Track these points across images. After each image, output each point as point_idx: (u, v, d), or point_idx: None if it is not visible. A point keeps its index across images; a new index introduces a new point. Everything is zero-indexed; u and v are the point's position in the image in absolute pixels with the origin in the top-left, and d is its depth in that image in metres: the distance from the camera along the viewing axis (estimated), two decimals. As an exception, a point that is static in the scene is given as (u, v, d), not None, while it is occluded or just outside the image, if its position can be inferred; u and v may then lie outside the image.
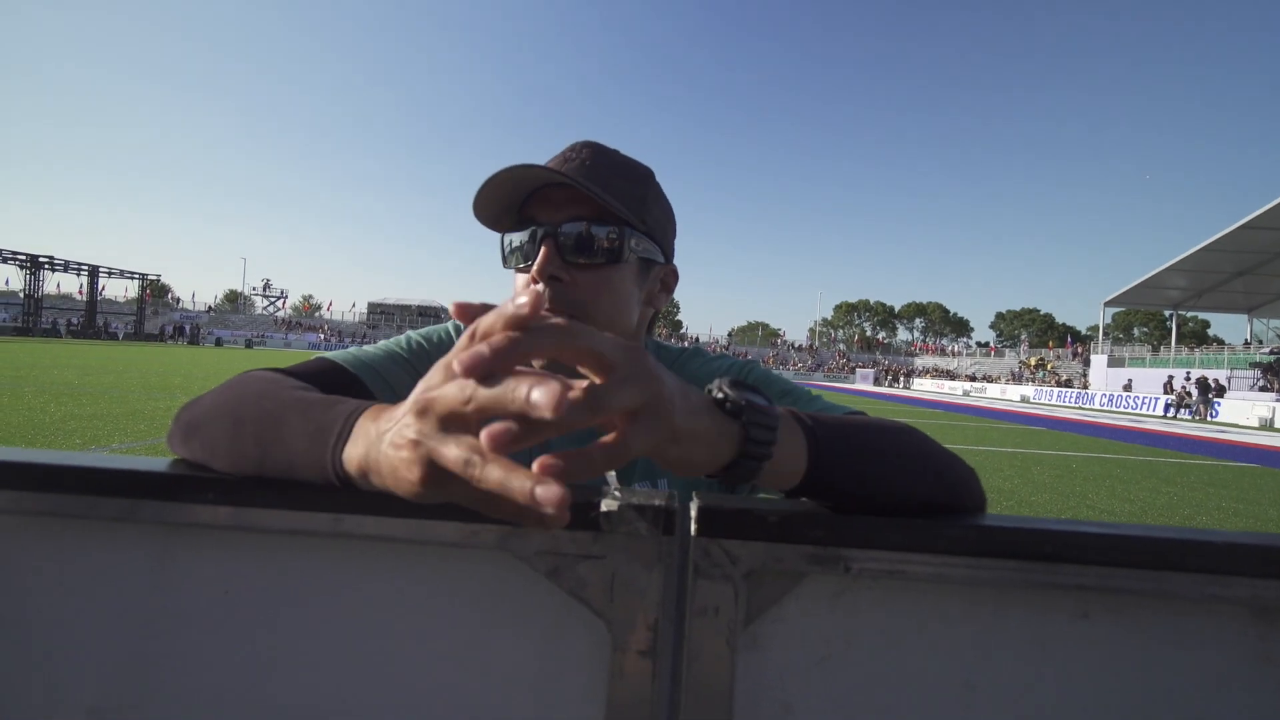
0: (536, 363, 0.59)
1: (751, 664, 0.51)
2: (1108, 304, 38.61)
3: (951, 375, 55.99)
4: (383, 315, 71.51)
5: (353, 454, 0.45)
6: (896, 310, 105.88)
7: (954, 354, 74.37)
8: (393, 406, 0.44)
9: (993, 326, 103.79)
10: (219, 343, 52.31)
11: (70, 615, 0.53)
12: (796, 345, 75.49)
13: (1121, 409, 29.11)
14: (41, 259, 44.66)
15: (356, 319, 71.38)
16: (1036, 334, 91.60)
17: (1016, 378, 49.54)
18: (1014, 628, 0.50)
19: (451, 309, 0.42)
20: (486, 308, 0.40)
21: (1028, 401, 34.92)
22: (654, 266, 0.82)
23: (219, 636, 0.52)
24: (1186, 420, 23.79)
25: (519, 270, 0.76)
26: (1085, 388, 37.58)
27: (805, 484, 0.51)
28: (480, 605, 0.52)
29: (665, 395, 0.40)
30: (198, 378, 15.53)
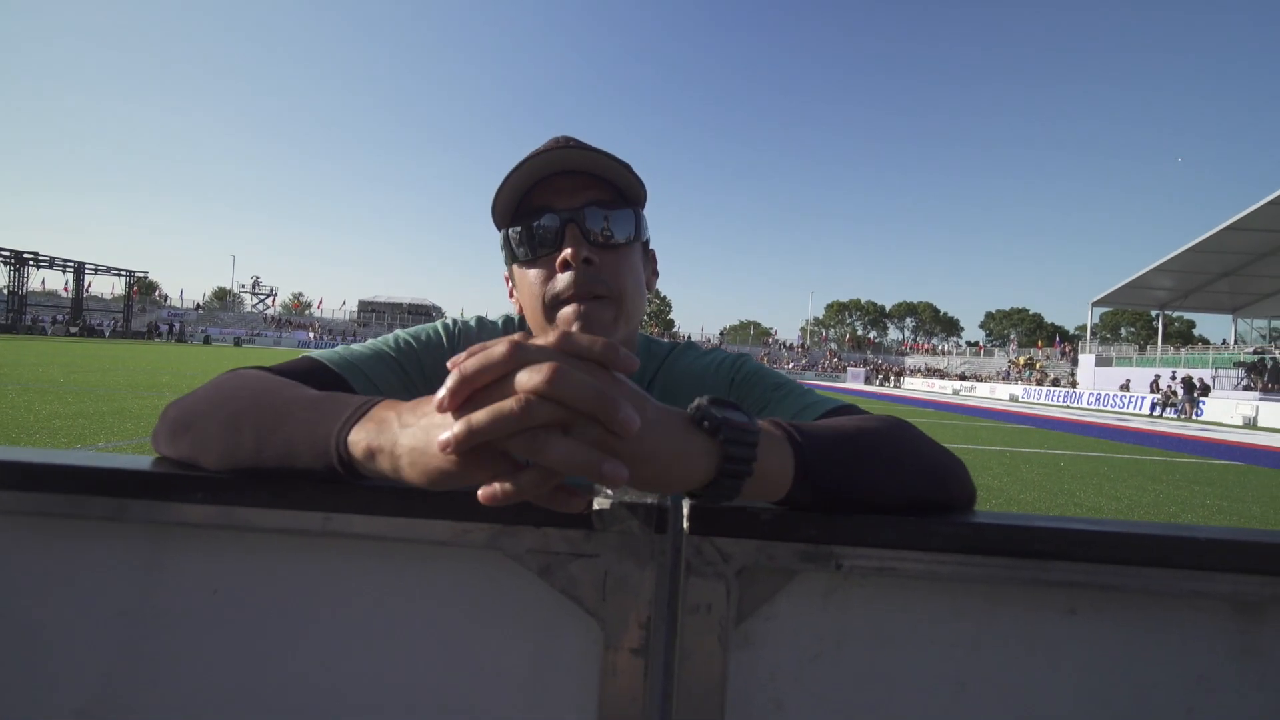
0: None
1: (743, 661, 0.51)
2: (1095, 304, 38.95)
3: (942, 374, 56.36)
4: (373, 313, 71.13)
5: (360, 436, 0.47)
6: (887, 310, 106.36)
7: (944, 353, 74.84)
8: (418, 400, 0.46)
9: (982, 326, 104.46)
10: (207, 340, 51.89)
11: (58, 616, 0.52)
12: (788, 344, 75.73)
13: (1109, 408, 29.40)
14: (26, 255, 44.16)
15: (347, 317, 70.97)
16: (1025, 333, 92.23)
17: (1006, 377, 49.93)
18: (1004, 624, 0.51)
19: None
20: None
21: (1017, 400, 35.18)
22: (647, 248, 0.86)
23: (208, 636, 0.52)
24: (1172, 419, 24.05)
25: (533, 262, 0.75)
26: (1074, 386, 37.93)
27: (793, 495, 0.51)
28: (471, 604, 0.52)
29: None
30: (186, 376, 15.40)
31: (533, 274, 0.75)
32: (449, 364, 0.41)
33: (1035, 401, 34.33)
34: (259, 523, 0.50)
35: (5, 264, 43.25)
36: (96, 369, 15.45)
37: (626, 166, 0.75)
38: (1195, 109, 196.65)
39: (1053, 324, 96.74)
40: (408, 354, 0.79)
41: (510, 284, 0.85)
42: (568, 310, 0.73)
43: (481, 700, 0.51)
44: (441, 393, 0.40)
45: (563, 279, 0.72)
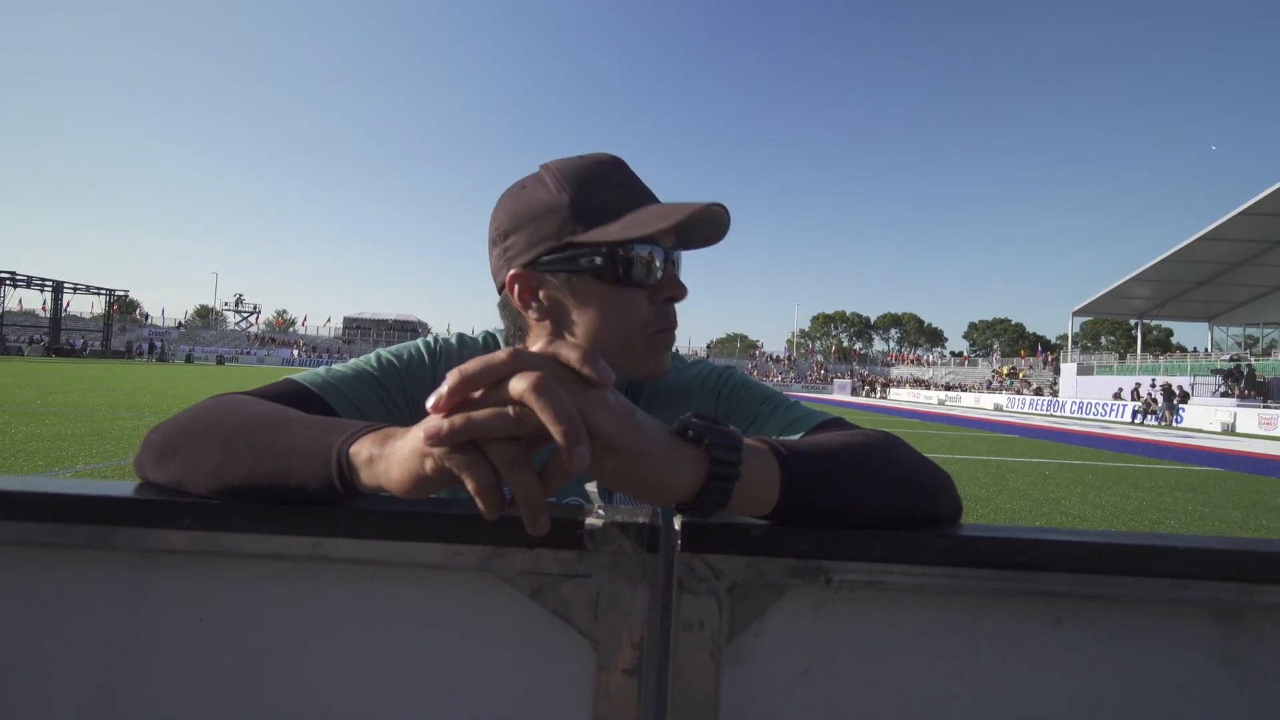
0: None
1: (736, 677, 0.51)
2: (1076, 313, 39.58)
3: (927, 385, 56.80)
4: (358, 330, 70.63)
5: (362, 447, 0.48)
6: (872, 321, 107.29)
7: (929, 364, 75.52)
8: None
9: (966, 336, 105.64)
10: (189, 359, 51.19)
11: (39, 647, 0.51)
12: (775, 356, 76.08)
13: (1091, 416, 29.78)
14: (2, 274, 43.44)
15: (332, 334, 70.40)
16: (1008, 343, 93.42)
17: (990, 387, 50.44)
18: (991, 635, 0.51)
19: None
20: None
21: (1001, 410, 35.54)
22: None
23: (195, 666, 0.51)
24: (1153, 426, 24.40)
25: (629, 285, 0.74)
26: (1054, 395, 38.38)
27: (780, 508, 0.51)
28: (463, 627, 0.51)
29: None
30: (167, 396, 15.17)
31: (631, 296, 0.75)
32: (446, 386, 0.42)
33: (1019, 411, 34.70)
34: (246, 548, 0.50)
35: (-19, 284, 42.55)
36: (75, 390, 15.18)
37: (720, 223, 0.78)
38: (1172, 120, 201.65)
39: (1035, 334, 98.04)
40: (390, 373, 0.79)
41: (534, 292, 0.77)
42: (663, 337, 0.77)
43: (473, 724, 0.51)
44: (441, 390, 0.41)
45: (670, 311, 0.77)
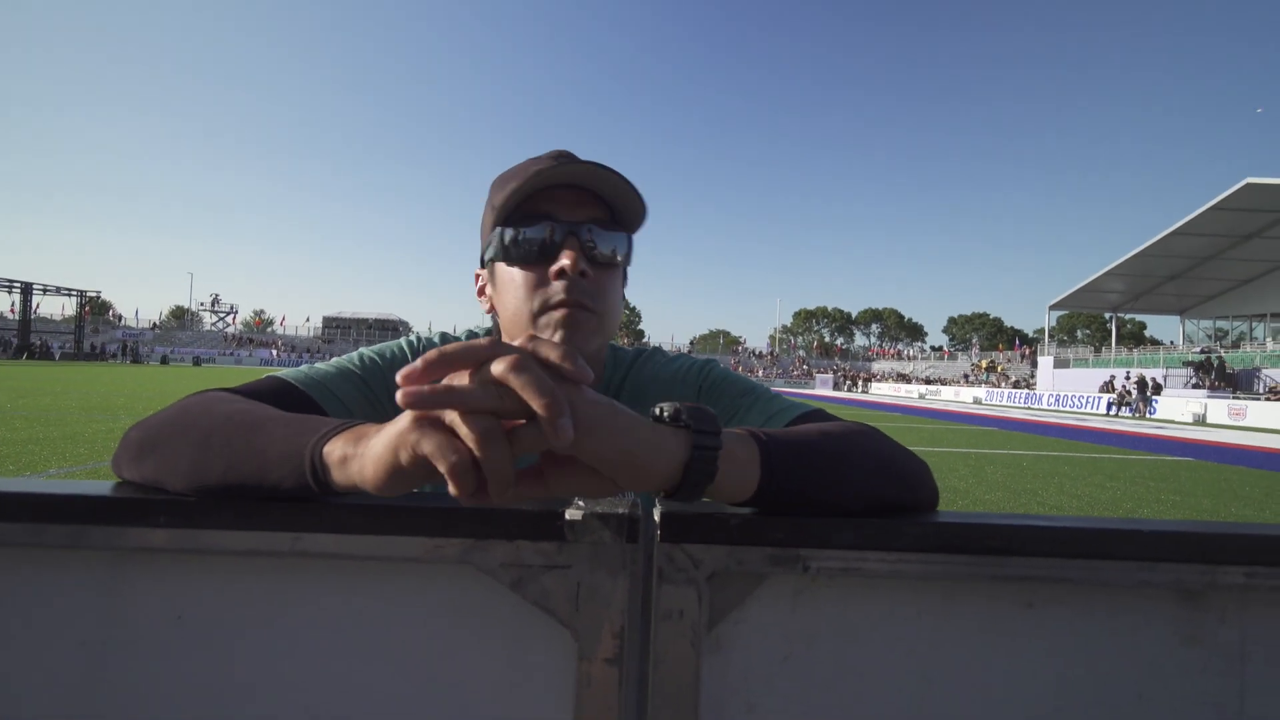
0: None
1: (715, 666, 0.52)
2: (1052, 307, 40.23)
3: (907, 379, 57.45)
4: (338, 329, 69.80)
5: (335, 447, 0.48)
6: (854, 316, 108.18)
7: (909, 358, 76.35)
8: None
9: (945, 331, 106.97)
10: (164, 360, 50.27)
11: (16, 648, 0.50)
12: (757, 352, 76.49)
13: (1068, 408, 30.33)
14: (-32, 276, 42.28)
15: (311, 333, 69.49)
16: (987, 337, 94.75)
17: (969, 380, 51.14)
18: (965, 619, 0.53)
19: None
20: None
21: (980, 403, 36.06)
22: (626, 272, 0.86)
23: (173, 664, 0.51)
24: (1128, 418, 24.92)
25: (526, 265, 0.76)
26: (1032, 388, 39.03)
27: (760, 494, 0.52)
28: (444, 620, 0.51)
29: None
30: (143, 398, 14.89)
31: (522, 276, 0.75)
32: (421, 359, 0.42)
33: (998, 404, 35.23)
34: (224, 545, 0.50)
35: (-54, 286, 41.43)
36: (47, 392, 14.85)
37: (634, 192, 0.76)
38: (1144, 119, 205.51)
39: (1012, 327, 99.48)
40: (373, 371, 0.78)
41: (482, 282, 0.85)
42: (556, 314, 0.74)
43: (457, 717, 0.51)
44: (415, 364, 0.41)
45: (557, 286, 0.74)
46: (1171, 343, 41.60)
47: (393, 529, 0.49)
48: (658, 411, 0.51)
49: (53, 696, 0.50)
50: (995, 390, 38.42)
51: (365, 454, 0.45)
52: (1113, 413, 27.02)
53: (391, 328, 69.27)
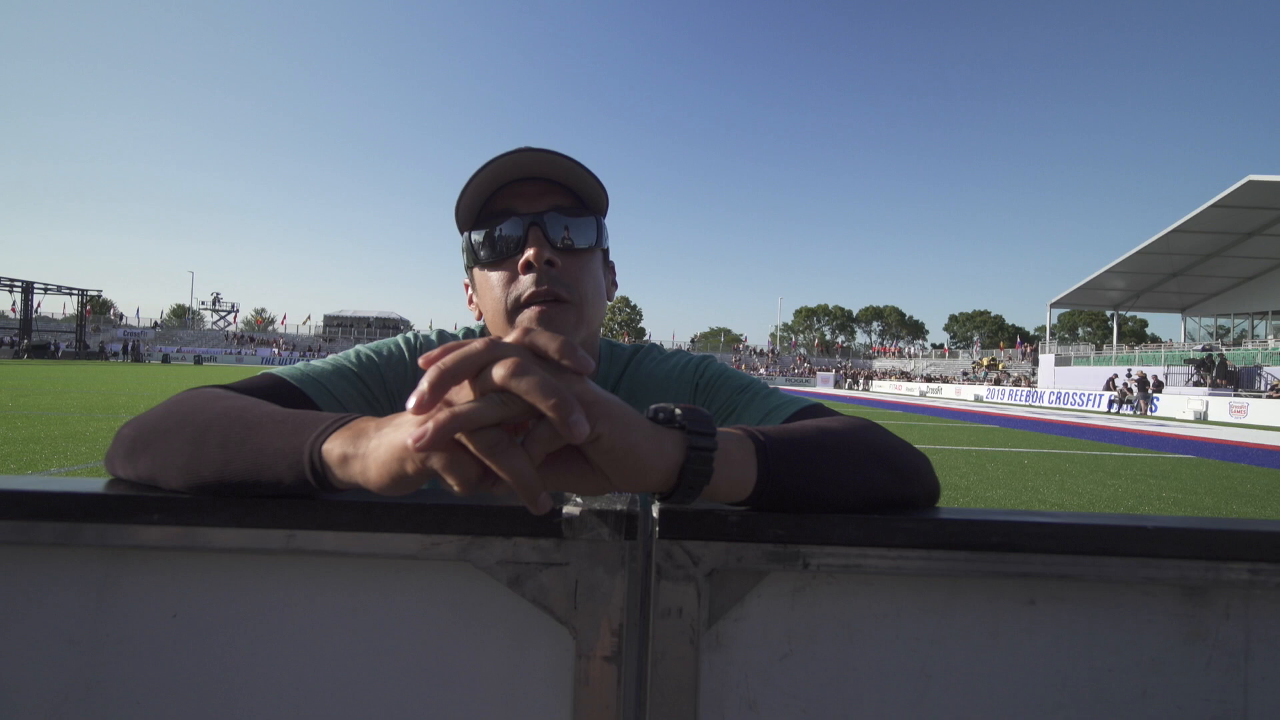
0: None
1: (715, 663, 0.51)
2: (1053, 305, 40.18)
3: (908, 377, 57.42)
4: (339, 327, 69.79)
5: (335, 445, 0.47)
6: (854, 314, 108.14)
7: (910, 356, 76.30)
8: (394, 415, 0.47)
9: (947, 329, 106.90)
10: (166, 359, 50.30)
11: (9, 646, 0.50)
12: (758, 350, 76.47)
13: (1069, 406, 30.31)
14: (-31, 275, 42.29)
15: (312, 332, 69.49)
16: (988, 335, 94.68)
17: (970, 378, 51.10)
18: (966, 616, 0.52)
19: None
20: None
21: (981, 401, 36.03)
22: (606, 257, 0.85)
23: (168, 662, 0.50)
24: (1129, 415, 24.89)
25: (495, 265, 0.76)
26: (1033, 385, 39.01)
27: (758, 493, 0.52)
28: (442, 618, 0.51)
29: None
30: (144, 396, 14.90)
31: (495, 277, 0.75)
32: (421, 361, 0.41)
33: (999, 401, 35.21)
34: (219, 543, 0.49)
35: (-52, 285, 41.45)
36: (48, 391, 14.87)
37: (589, 174, 0.75)
38: (1145, 116, 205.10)
39: (1014, 325, 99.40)
40: (369, 368, 0.78)
41: (470, 290, 0.85)
42: (529, 311, 0.73)
43: (454, 715, 0.51)
44: (422, 387, 0.40)
45: (525, 280, 0.73)
46: (1172, 341, 41.52)
47: (389, 526, 0.49)
48: (653, 413, 0.51)
49: (46, 695, 0.50)
50: (996, 388, 38.39)
51: (368, 455, 0.45)
52: (1114, 410, 26.99)
53: (393, 326, 69.25)
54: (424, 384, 0.40)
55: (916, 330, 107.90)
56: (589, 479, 0.45)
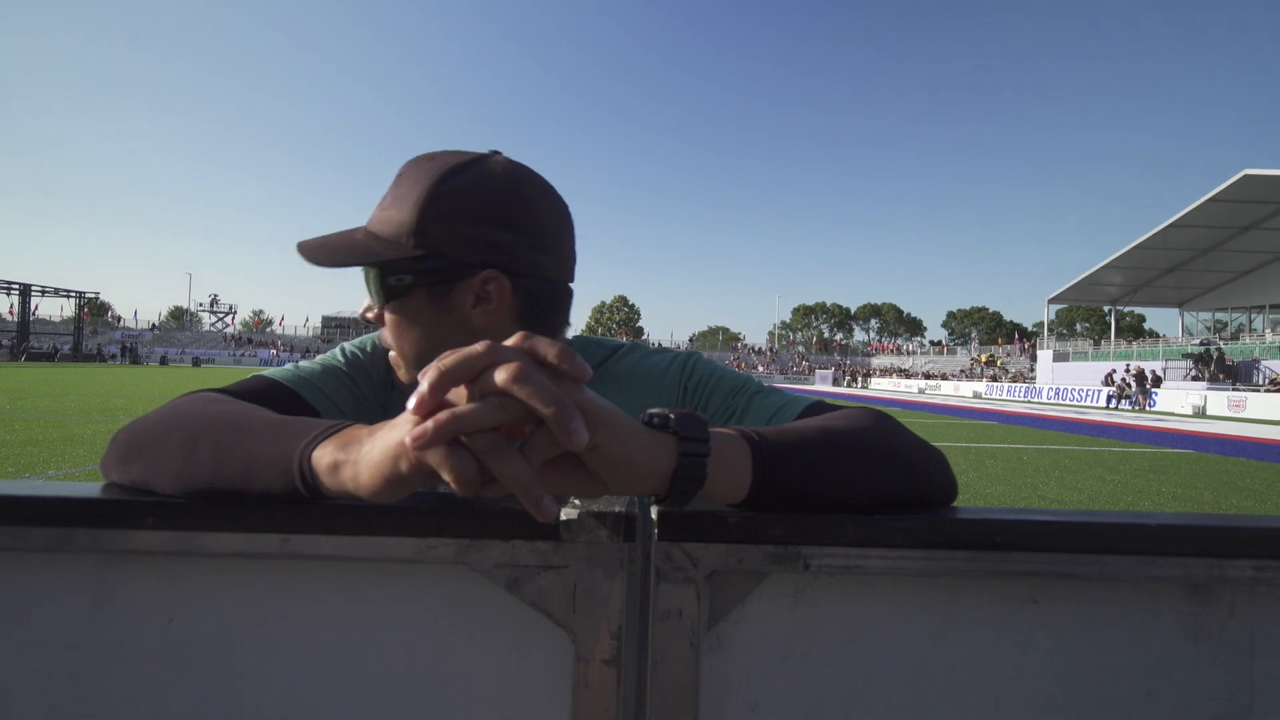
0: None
1: (716, 666, 0.51)
2: (1051, 301, 40.27)
3: (907, 374, 57.49)
4: (338, 329, 69.66)
5: (325, 452, 0.46)
6: (853, 312, 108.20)
7: (909, 353, 76.38)
8: (386, 422, 0.46)
9: (945, 325, 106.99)
10: (164, 361, 50.22)
11: (4, 653, 0.50)
12: (757, 348, 76.49)
13: (1067, 401, 30.35)
14: (-34, 279, 42.19)
15: (310, 333, 69.44)
16: (986, 331, 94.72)
17: (968, 374, 51.15)
18: (969, 616, 0.52)
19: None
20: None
21: (980, 397, 36.08)
22: (455, 284, 0.70)
23: (164, 668, 0.50)
24: (1127, 410, 24.94)
25: None
26: (1032, 381, 39.06)
27: (754, 494, 0.51)
28: (439, 621, 0.50)
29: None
30: (141, 399, 14.88)
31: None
32: (420, 375, 0.41)
33: (998, 397, 35.25)
34: (215, 547, 0.49)
35: (-56, 288, 41.36)
36: (46, 394, 14.84)
37: (410, 205, 0.69)
38: (1141, 111, 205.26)
39: (1012, 321, 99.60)
40: (356, 365, 0.78)
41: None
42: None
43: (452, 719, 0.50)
44: (422, 389, 0.40)
45: (381, 329, 0.75)
46: (1170, 336, 41.59)
47: (385, 529, 0.48)
48: (647, 418, 0.50)
49: (41, 702, 0.49)
50: (995, 384, 38.44)
51: (359, 460, 0.44)
52: (1112, 406, 27.04)
53: None
54: (424, 386, 0.40)
55: (915, 327, 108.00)
56: (586, 483, 0.45)
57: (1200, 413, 23.15)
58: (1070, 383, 33.83)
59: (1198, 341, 34.70)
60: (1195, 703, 0.51)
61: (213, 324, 73.58)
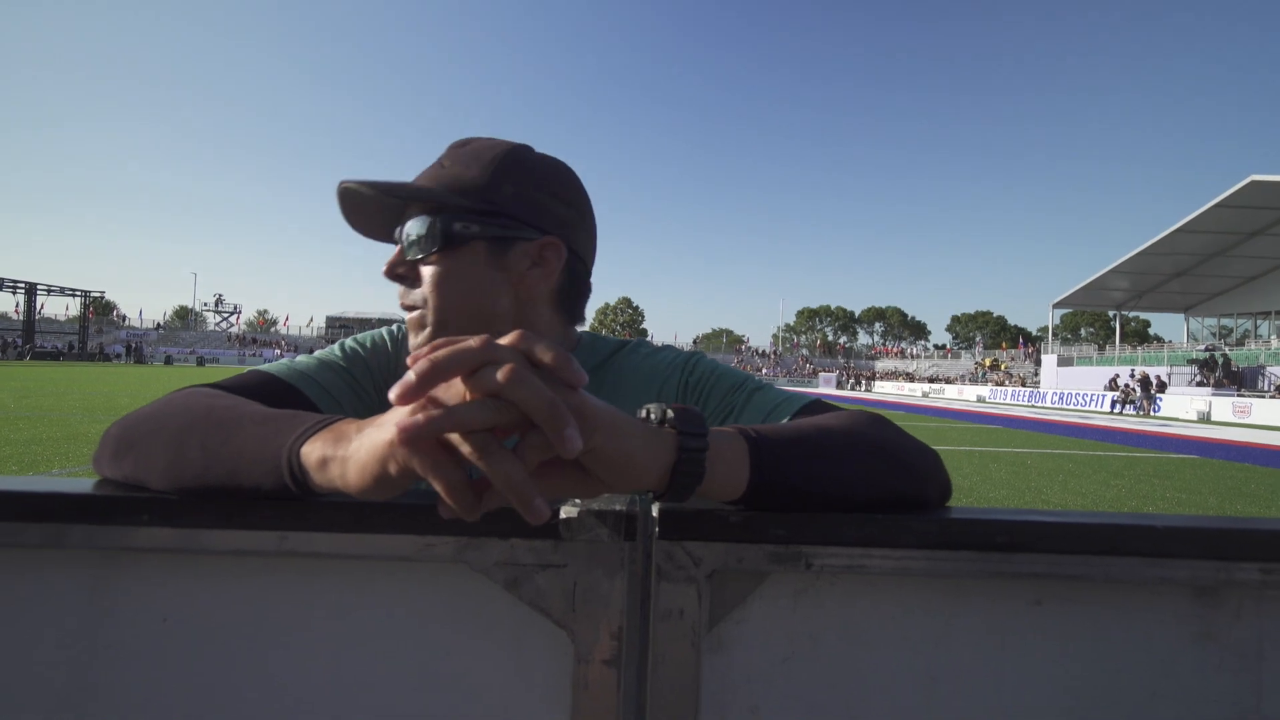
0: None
1: (717, 666, 0.50)
2: (1056, 305, 40.09)
3: (911, 377, 57.34)
4: (342, 329, 69.78)
5: (314, 448, 0.46)
6: (856, 315, 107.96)
7: (913, 356, 76.17)
8: (376, 416, 0.45)
9: (949, 329, 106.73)
10: (169, 361, 50.39)
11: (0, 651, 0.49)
12: (760, 351, 76.41)
13: (1071, 406, 30.24)
14: (-27, 278, 42.47)
15: (314, 333, 69.59)
16: (990, 336, 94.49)
17: (972, 378, 51.01)
18: (972, 618, 0.51)
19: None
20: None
21: (983, 401, 35.97)
22: (515, 244, 0.73)
23: (160, 666, 0.49)
24: (1132, 416, 24.82)
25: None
26: (1036, 386, 38.93)
27: (752, 492, 0.50)
28: (437, 621, 0.50)
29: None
30: (145, 398, 14.86)
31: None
32: (409, 359, 0.40)
33: (1002, 402, 35.14)
34: (210, 545, 0.49)
35: (-49, 287, 41.59)
36: (50, 393, 14.89)
37: (484, 164, 0.71)
38: (1149, 114, 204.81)
39: (1016, 326, 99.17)
40: (355, 360, 0.77)
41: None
42: (408, 317, 0.74)
43: None
44: (409, 377, 0.38)
45: (406, 292, 0.74)
46: (1175, 341, 41.43)
47: (383, 527, 0.48)
48: (644, 413, 0.50)
49: (35, 698, 0.49)
50: (999, 389, 38.33)
51: (348, 458, 0.43)
52: (1117, 411, 26.92)
53: None
54: (411, 374, 0.38)
55: (919, 331, 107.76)
56: (583, 484, 0.44)
57: (1205, 418, 23.04)
58: (1074, 387, 33.72)
59: (1203, 347, 34.53)
60: (1201, 706, 0.51)
61: (217, 324, 73.84)
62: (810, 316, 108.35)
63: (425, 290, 0.71)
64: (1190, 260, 32.59)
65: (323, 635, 0.50)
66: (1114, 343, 42.26)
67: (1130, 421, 20.77)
